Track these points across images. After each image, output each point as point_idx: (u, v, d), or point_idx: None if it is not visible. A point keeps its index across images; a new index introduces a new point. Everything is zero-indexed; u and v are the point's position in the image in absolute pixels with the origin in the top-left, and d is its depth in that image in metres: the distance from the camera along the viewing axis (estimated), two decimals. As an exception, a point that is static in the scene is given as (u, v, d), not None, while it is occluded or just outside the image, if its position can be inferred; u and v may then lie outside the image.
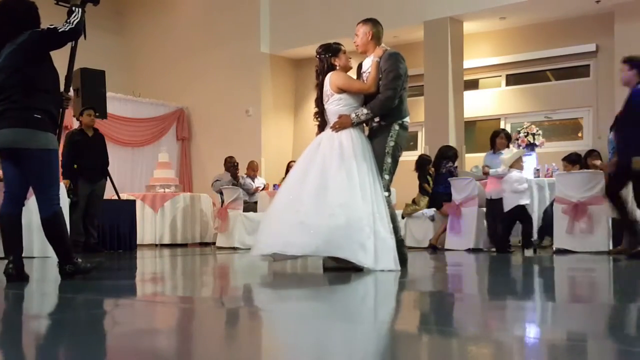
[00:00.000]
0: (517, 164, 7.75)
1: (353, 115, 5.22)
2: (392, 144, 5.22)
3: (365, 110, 5.22)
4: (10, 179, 4.37)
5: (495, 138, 8.50)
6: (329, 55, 5.40)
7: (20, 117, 4.18)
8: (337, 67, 5.39)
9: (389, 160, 5.21)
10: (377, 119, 5.32)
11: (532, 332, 2.56)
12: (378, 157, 5.21)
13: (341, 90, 5.29)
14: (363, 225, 4.93)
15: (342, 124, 5.23)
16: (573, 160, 8.25)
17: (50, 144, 4.26)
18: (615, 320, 2.90)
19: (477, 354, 2.12)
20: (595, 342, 2.32)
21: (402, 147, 5.35)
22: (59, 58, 4.47)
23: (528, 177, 8.64)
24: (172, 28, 13.86)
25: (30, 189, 4.42)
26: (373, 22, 5.50)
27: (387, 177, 5.20)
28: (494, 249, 8.22)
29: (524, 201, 7.69)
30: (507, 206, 7.72)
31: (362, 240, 4.90)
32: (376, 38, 5.43)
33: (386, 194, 5.17)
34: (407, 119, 5.35)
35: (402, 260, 5.43)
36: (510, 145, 8.71)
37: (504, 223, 7.85)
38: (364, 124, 5.41)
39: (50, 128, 4.28)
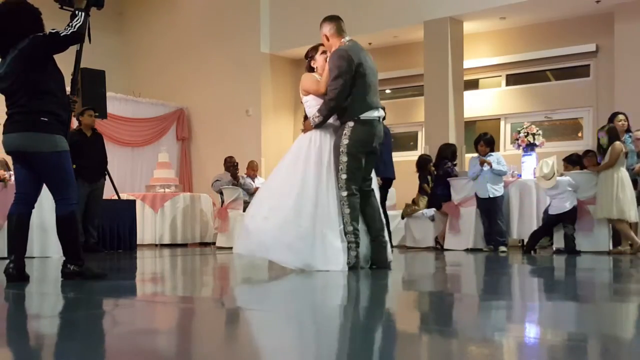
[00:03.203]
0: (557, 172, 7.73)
1: (310, 119, 5.33)
2: (346, 142, 5.15)
3: (317, 113, 5.28)
4: (21, 181, 4.44)
5: (477, 145, 8.49)
6: (307, 60, 5.57)
7: (28, 120, 4.25)
8: (316, 69, 5.49)
9: (344, 159, 5.14)
10: (335, 118, 5.32)
11: (531, 332, 2.56)
12: (334, 157, 5.21)
13: (306, 93, 5.42)
14: (293, 227, 5.02)
15: (306, 127, 5.38)
16: (573, 162, 8.26)
17: (59, 145, 4.31)
18: (615, 320, 2.90)
19: (477, 354, 2.12)
20: (595, 342, 2.32)
21: (366, 141, 5.20)
22: (64, 61, 4.48)
23: (528, 178, 8.66)
24: (172, 28, 13.85)
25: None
26: (326, 21, 5.44)
27: (343, 176, 5.13)
28: (490, 248, 8.29)
29: (574, 203, 7.65)
30: (557, 210, 7.64)
31: (289, 241, 5.01)
32: (334, 35, 5.36)
33: (344, 193, 5.12)
34: (366, 114, 5.19)
35: (382, 261, 5.35)
36: (497, 150, 8.74)
37: (548, 224, 7.82)
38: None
39: (58, 130, 4.32)
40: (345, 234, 5.13)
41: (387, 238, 5.45)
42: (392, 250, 5.67)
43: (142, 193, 10.83)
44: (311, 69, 5.53)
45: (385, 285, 4.49)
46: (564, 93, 10.80)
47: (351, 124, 5.18)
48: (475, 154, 8.62)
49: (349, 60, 5.16)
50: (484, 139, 8.46)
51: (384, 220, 5.53)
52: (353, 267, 5.07)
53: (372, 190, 5.44)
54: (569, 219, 7.60)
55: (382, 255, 5.33)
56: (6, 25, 4.30)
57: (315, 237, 5.05)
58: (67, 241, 4.43)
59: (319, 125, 5.31)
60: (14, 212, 4.40)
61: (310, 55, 5.58)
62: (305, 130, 5.41)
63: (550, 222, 7.79)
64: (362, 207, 5.31)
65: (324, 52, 5.46)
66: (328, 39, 5.38)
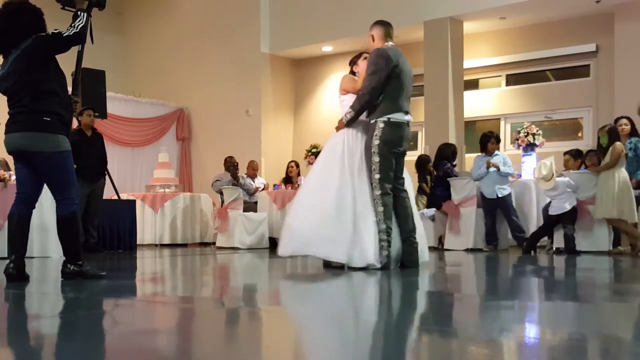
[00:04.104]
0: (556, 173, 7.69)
1: (343, 116, 5.44)
2: (377, 142, 5.26)
3: (349, 109, 5.40)
4: (22, 180, 4.44)
5: (487, 143, 8.50)
6: (351, 65, 5.77)
7: (30, 120, 4.25)
8: (357, 74, 5.67)
9: (376, 159, 5.25)
10: (365, 116, 5.43)
11: (531, 332, 2.56)
12: (366, 157, 5.31)
13: (345, 92, 5.56)
14: (334, 222, 5.13)
15: (340, 126, 5.50)
16: (574, 155, 8.23)
17: (61, 145, 4.32)
18: (615, 320, 2.90)
19: (477, 354, 2.12)
20: (595, 342, 2.32)
21: (394, 143, 5.31)
22: (65, 61, 4.49)
23: (528, 178, 8.66)
24: (173, 28, 13.85)
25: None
26: (378, 24, 5.61)
27: (377, 175, 5.23)
28: (488, 248, 8.30)
29: (573, 203, 7.61)
30: (557, 210, 7.58)
31: (331, 235, 5.11)
32: (380, 37, 5.52)
33: (377, 192, 5.21)
34: (395, 115, 5.31)
35: (412, 262, 5.41)
36: (500, 148, 8.77)
37: (548, 225, 7.79)
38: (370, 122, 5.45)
39: (60, 130, 4.33)
40: (379, 232, 5.20)
41: (417, 239, 5.47)
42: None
43: (142, 193, 10.82)
44: (353, 74, 5.71)
45: (384, 285, 4.48)
46: (564, 93, 10.80)
47: (381, 125, 5.28)
48: (478, 154, 8.63)
49: (387, 59, 5.32)
50: (494, 137, 8.50)
51: (417, 221, 5.57)
52: (385, 267, 5.13)
53: (406, 190, 5.50)
54: (568, 219, 7.59)
55: (413, 256, 5.40)
56: (8, 26, 4.31)
57: (354, 232, 5.14)
58: (67, 241, 4.44)
59: (351, 122, 5.43)
60: (14, 212, 4.40)
61: (354, 61, 5.76)
62: (339, 128, 5.54)
63: (550, 223, 7.78)
64: (394, 207, 5.40)
65: (366, 57, 5.60)
66: (373, 40, 5.54)
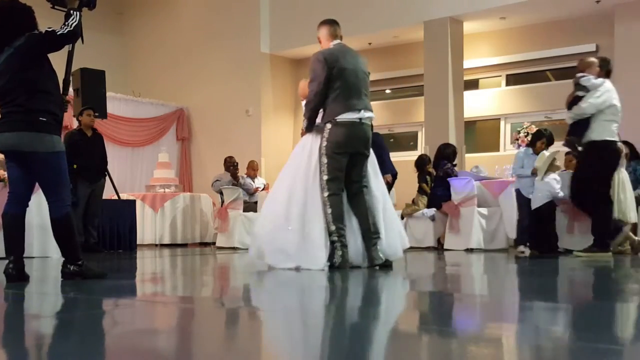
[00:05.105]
0: (552, 166, 7.55)
1: (302, 123, 5.58)
2: (324, 144, 5.31)
3: (303, 117, 5.52)
4: (15, 180, 4.41)
5: (537, 141, 7.91)
6: None
7: (25, 120, 4.21)
8: None
9: (324, 160, 5.30)
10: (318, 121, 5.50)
11: (531, 332, 2.56)
12: (318, 159, 5.35)
13: (303, 97, 5.69)
14: (283, 233, 5.24)
15: (303, 132, 5.62)
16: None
17: (57, 146, 4.29)
18: (614, 320, 2.90)
19: (477, 354, 2.12)
20: (594, 342, 2.32)
21: (342, 143, 5.27)
22: (54, 61, 4.47)
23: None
24: (172, 28, 13.86)
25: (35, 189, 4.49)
26: (322, 24, 5.64)
27: (325, 177, 5.28)
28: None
29: (544, 200, 7.37)
30: (536, 204, 7.43)
31: (281, 245, 5.24)
32: (325, 38, 5.56)
33: (325, 194, 5.25)
34: (343, 116, 5.27)
35: (371, 259, 5.33)
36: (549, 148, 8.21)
37: (532, 221, 7.51)
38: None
39: (55, 130, 4.31)
40: (330, 234, 5.20)
41: (380, 236, 5.35)
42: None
43: (142, 193, 10.83)
44: None
45: (384, 285, 4.48)
46: (564, 93, 10.75)
47: (329, 126, 5.32)
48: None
49: (323, 63, 5.31)
50: (547, 136, 7.89)
51: (377, 218, 5.41)
52: (340, 267, 5.11)
53: (362, 192, 5.41)
54: (545, 216, 7.47)
55: (372, 252, 5.30)
56: (0, 24, 4.29)
57: (303, 238, 5.21)
58: (64, 242, 4.42)
59: (308, 128, 5.53)
60: (7, 212, 4.38)
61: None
62: (302, 134, 5.66)
63: (532, 218, 7.58)
64: (353, 209, 5.41)
65: None
66: (320, 42, 5.59)
